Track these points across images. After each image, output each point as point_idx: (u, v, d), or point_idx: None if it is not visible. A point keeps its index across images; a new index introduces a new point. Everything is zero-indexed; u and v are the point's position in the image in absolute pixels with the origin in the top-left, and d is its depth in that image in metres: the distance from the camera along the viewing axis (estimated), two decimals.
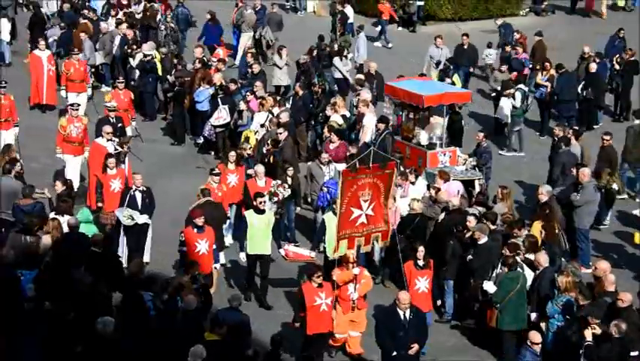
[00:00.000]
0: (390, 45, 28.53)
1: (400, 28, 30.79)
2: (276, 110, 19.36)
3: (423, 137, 18.43)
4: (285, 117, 18.89)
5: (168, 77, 21.98)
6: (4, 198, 15.15)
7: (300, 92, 20.74)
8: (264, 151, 17.78)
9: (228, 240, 16.33)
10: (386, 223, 13.14)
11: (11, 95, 19.03)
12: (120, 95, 20.12)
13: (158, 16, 25.59)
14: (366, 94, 20.13)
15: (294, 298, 13.97)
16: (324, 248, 14.31)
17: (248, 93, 20.24)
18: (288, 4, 32.59)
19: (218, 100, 20.11)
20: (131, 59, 22.91)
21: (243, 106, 19.59)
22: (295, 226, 16.76)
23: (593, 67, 21.99)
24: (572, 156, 17.51)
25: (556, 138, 18.28)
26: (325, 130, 18.79)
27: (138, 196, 15.27)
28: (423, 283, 13.51)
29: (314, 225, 16.17)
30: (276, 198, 15.97)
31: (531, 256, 13.46)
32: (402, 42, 29.08)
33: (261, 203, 14.63)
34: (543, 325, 12.78)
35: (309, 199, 16.99)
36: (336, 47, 24.90)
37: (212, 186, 15.83)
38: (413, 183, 16.41)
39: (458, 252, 14.25)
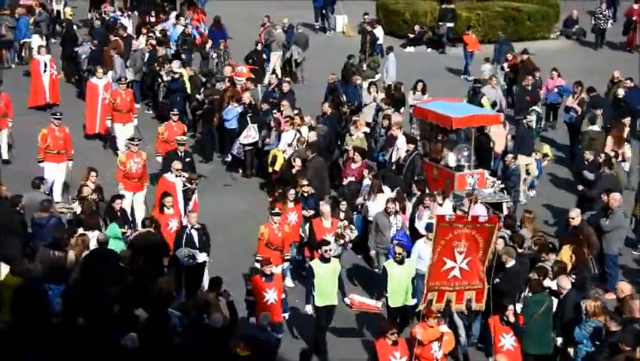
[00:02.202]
0: (470, 78, 26.80)
1: (429, 50, 30.81)
2: (304, 130, 19.40)
3: (451, 158, 18.38)
4: (313, 137, 18.91)
5: (197, 95, 22.08)
6: (31, 212, 15.28)
7: (329, 112, 20.77)
8: (294, 171, 17.78)
9: (289, 282, 15.62)
10: (482, 282, 12.47)
11: (67, 128, 18.55)
12: (174, 127, 19.36)
13: (209, 44, 25.47)
14: (397, 116, 20.11)
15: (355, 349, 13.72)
16: (386, 298, 13.83)
17: (275, 112, 20.33)
18: (317, 24, 32.71)
19: (247, 118, 20.20)
20: (160, 77, 23.04)
21: (282, 123, 19.44)
22: (354, 275, 16.16)
23: (621, 92, 21.85)
24: (613, 180, 17.36)
25: (586, 162, 18.18)
26: (350, 149, 18.81)
27: (195, 234, 14.70)
28: (509, 341, 12.63)
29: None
30: (342, 241, 15.33)
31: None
32: (431, 63, 29.05)
33: (326, 252, 13.85)
34: (570, 350, 12.67)
35: (374, 252, 15.92)
36: (364, 67, 24.99)
37: (273, 226, 15.03)
38: (441, 205, 16.34)
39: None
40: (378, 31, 28.23)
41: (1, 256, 14.03)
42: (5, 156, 19.86)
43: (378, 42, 27.61)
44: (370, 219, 16.61)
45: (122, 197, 16.05)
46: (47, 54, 23.20)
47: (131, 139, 18.02)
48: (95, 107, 21.32)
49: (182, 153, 17.88)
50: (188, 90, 22.40)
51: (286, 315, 14.09)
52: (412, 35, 31.05)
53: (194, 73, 23.03)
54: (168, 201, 15.52)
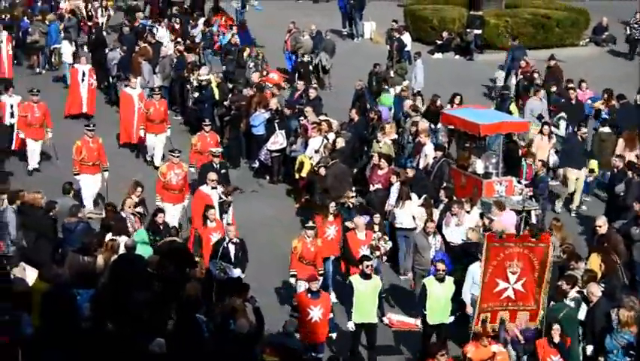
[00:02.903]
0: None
1: (457, 57, 30.72)
2: (331, 136, 19.39)
3: (479, 166, 18.29)
4: (340, 143, 18.89)
5: (225, 102, 22.14)
6: (62, 217, 15.39)
7: (356, 118, 20.75)
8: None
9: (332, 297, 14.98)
10: (537, 303, 12.20)
11: (100, 138, 18.48)
12: (207, 137, 19.18)
13: (246, 52, 25.52)
14: (424, 123, 20.07)
15: None
16: (425, 316, 13.54)
17: (302, 118, 20.35)
18: (344, 30, 32.70)
19: (275, 125, 20.22)
20: (188, 83, 23.13)
21: (309, 130, 19.46)
22: (392, 294, 15.71)
23: None
24: None
25: (615, 170, 18.03)
26: (375, 157, 18.79)
27: (232, 248, 14.45)
28: None
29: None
30: (378, 253, 15.02)
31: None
32: (459, 70, 28.96)
33: (367, 267, 13.47)
34: (601, 359, 12.54)
35: (412, 273, 15.54)
36: (392, 73, 24.96)
37: (306, 240, 14.82)
38: (468, 212, 16.26)
39: None
40: (406, 38, 28.18)
41: (31, 262, 14.13)
42: (36, 165, 19.94)
43: (406, 49, 27.56)
44: (397, 225, 16.56)
45: (163, 211, 15.78)
46: (87, 64, 23.15)
47: (172, 150, 17.77)
48: (130, 117, 21.18)
49: (218, 165, 17.63)
50: (217, 97, 22.47)
51: (333, 335, 13.62)
52: (439, 42, 30.98)
53: (222, 79, 23.08)
54: (211, 214, 15.23)
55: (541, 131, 19.86)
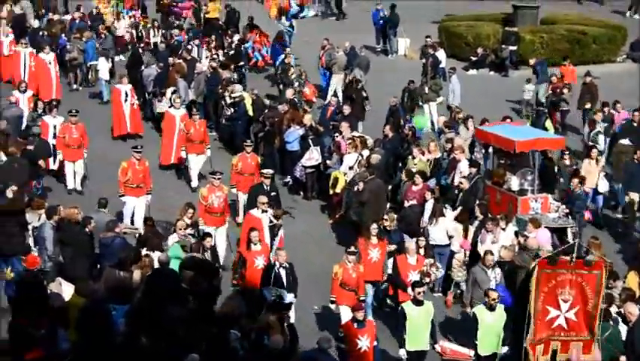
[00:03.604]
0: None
1: (492, 73, 30.62)
2: (365, 152, 19.39)
3: (514, 182, 18.17)
4: (375, 159, 18.88)
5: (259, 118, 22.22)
6: (99, 232, 15.51)
7: (390, 135, 20.74)
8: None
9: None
10: (592, 333, 11.97)
11: (146, 161, 18.44)
12: (247, 158, 18.98)
13: (291, 72, 25.59)
14: (459, 139, 20.01)
15: None
16: (475, 345, 13.24)
17: (337, 134, 20.37)
18: (378, 46, 32.73)
19: (309, 141, 20.26)
20: (221, 100, 23.23)
21: (342, 145, 19.40)
22: (448, 324, 15.40)
23: None
24: None
25: None
26: (403, 174, 18.70)
27: (282, 273, 14.21)
28: None
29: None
30: (428, 279, 14.68)
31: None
32: (493, 87, 28.85)
33: (419, 293, 13.19)
34: None
35: (469, 309, 14.72)
36: (426, 89, 24.94)
37: (347, 266, 14.48)
38: (503, 230, 16.16)
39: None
40: (441, 54, 28.14)
41: (68, 277, 14.25)
42: (78, 187, 19.95)
43: (441, 65, 27.54)
44: (431, 242, 16.49)
45: (211, 235, 15.48)
46: (129, 84, 23.18)
47: (213, 172, 17.52)
48: (171, 138, 21.14)
49: (268, 187, 17.34)
50: (250, 113, 22.55)
51: None
52: (474, 58, 30.90)
53: (257, 96, 23.17)
54: (255, 236, 14.89)
55: (589, 155, 19.65)
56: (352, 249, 14.76)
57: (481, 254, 15.72)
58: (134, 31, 28.34)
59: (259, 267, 14.69)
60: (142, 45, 27.73)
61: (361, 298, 14.46)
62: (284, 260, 14.37)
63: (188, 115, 21.00)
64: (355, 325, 12.92)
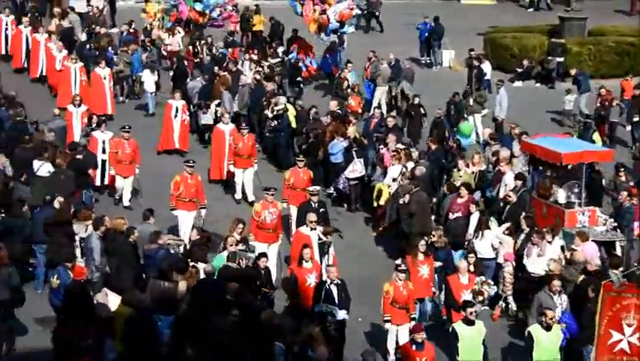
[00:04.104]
0: (628, 128, 24.91)
1: (538, 85, 30.36)
2: (409, 165, 19.31)
3: (561, 195, 17.97)
4: (419, 171, 18.80)
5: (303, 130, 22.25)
6: (143, 243, 15.61)
7: (433, 147, 20.65)
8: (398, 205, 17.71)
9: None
10: None
11: (199, 175, 18.46)
12: (300, 173, 18.94)
13: (345, 85, 25.42)
14: (504, 151, 19.86)
15: None
16: None
17: (381, 147, 20.32)
18: (423, 58, 32.64)
19: (353, 153, 20.23)
20: (265, 111, 23.28)
21: (386, 157, 19.35)
22: (500, 343, 15.01)
23: None
24: None
25: None
26: (445, 187, 18.54)
27: (334, 290, 14.11)
28: None
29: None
30: (481, 298, 14.56)
31: None
32: (540, 98, 28.62)
33: (472, 313, 13.01)
34: None
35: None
36: (471, 101, 24.81)
37: (397, 283, 14.35)
38: (550, 243, 15.98)
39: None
40: (486, 66, 28.00)
41: (114, 287, 14.35)
42: (126, 203, 19.98)
43: (486, 77, 27.37)
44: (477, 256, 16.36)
45: (266, 255, 15.37)
46: (181, 100, 23.19)
47: (267, 189, 17.46)
48: (221, 153, 21.02)
49: (316, 204, 17.25)
50: (293, 125, 22.58)
51: None
52: (520, 70, 30.67)
53: (301, 107, 23.19)
54: (306, 253, 14.85)
55: None
56: (402, 267, 14.62)
57: (527, 268, 15.60)
58: (190, 47, 28.43)
59: (311, 285, 14.62)
60: (197, 60, 27.68)
61: (412, 316, 14.37)
62: (335, 277, 14.26)
63: (237, 129, 21.00)
64: (414, 347, 12.74)
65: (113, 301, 13.53)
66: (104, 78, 24.95)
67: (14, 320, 14.66)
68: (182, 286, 13.86)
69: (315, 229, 15.96)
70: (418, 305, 15.09)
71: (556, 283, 14.15)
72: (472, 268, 15.10)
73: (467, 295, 14.33)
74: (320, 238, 15.90)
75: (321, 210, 17.22)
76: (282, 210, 17.42)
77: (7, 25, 28.91)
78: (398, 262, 17.41)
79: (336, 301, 14.05)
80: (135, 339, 12.12)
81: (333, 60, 28.17)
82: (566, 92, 25.95)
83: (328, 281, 14.23)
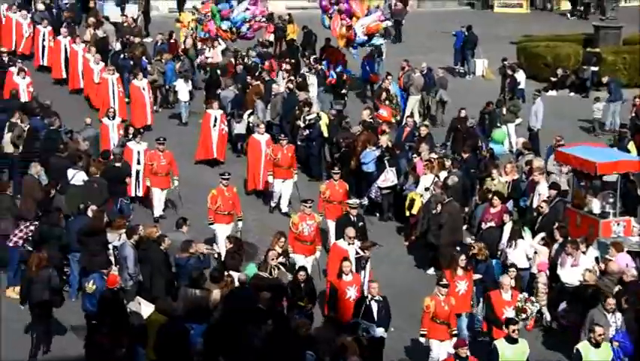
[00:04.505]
0: None
1: (572, 94, 30.14)
2: (442, 174, 19.24)
3: (595, 205, 17.81)
4: (451, 181, 18.72)
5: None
6: (175, 252, 15.67)
7: (466, 156, 20.55)
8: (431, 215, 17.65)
9: None
10: None
11: (234, 187, 18.30)
12: (335, 185, 18.66)
13: (384, 96, 25.42)
14: (538, 161, 19.72)
15: None
16: None
17: (414, 156, 20.26)
18: (456, 68, 32.55)
19: (385, 162, 20.19)
20: (298, 121, 23.29)
21: (418, 166, 19.32)
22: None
23: None
24: None
25: None
26: (477, 196, 18.38)
27: (374, 306, 13.90)
28: None
29: None
30: (524, 315, 14.15)
31: None
32: (573, 108, 28.42)
33: (514, 331, 12.77)
34: None
35: None
36: (504, 110, 24.68)
37: (439, 298, 14.04)
38: (584, 253, 15.82)
39: (634, 327, 13.51)
40: (520, 75, 27.85)
41: (147, 296, 14.42)
42: (158, 214, 19.83)
43: (520, 86, 27.21)
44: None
45: (305, 269, 15.22)
46: (219, 109, 23.14)
47: (304, 201, 17.27)
48: (258, 163, 20.94)
49: (355, 218, 17.02)
50: (325, 134, 22.57)
51: None
52: (554, 79, 30.48)
53: (335, 116, 23.18)
54: (346, 266, 14.65)
55: None
56: (444, 281, 14.36)
57: (561, 278, 15.45)
58: (232, 59, 28.50)
59: (351, 298, 14.48)
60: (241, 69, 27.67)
61: (454, 332, 14.17)
62: (376, 293, 14.06)
63: (273, 140, 20.88)
64: None
65: (145, 309, 13.60)
66: (143, 89, 25.01)
67: (52, 321, 14.87)
68: (217, 294, 13.88)
69: (352, 243, 15.74)
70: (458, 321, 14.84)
71: (611, 301, 13.80)
72: (513, 283, 14.72)
73: (510, 312, 14.03)
74: (357, 253, 15.63)
75: (360, 224, 16.98)
76: (319, 223, 17.30)
77: (44, 36, 29.14)
78: (430, 271, 17.42)
79: (375, 318, 13.86)
80: (168, 348, 12.17)
81: (371, 67, 28.16)
82: (595, 101, 25.74)
83: (369, 297, 14.04)
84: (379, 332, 13.86)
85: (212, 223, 17.85)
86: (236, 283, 14.17)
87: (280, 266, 15.14)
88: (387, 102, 24.90)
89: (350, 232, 15.84)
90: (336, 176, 18.78)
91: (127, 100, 25.36)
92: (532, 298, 14.68)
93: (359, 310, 13.88)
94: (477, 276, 15.54)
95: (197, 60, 28.53)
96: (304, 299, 14.48)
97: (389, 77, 26.16)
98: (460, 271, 15.07)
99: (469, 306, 15.13)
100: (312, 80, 26.69)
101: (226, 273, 14.60)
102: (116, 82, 25.17)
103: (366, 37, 27.30)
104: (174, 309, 13.00)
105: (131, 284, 15.16)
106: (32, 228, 16.37)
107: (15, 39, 29.82)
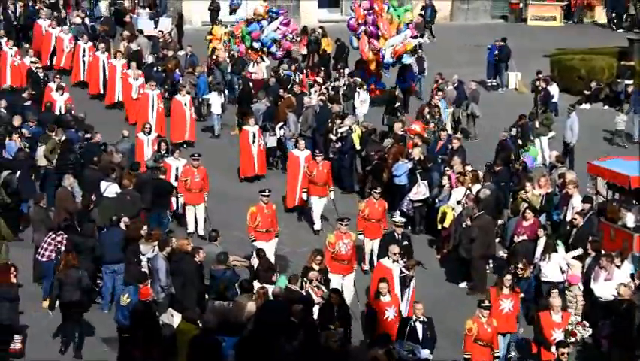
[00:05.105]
0: None
1: (606, 107, 29.91)
2: (475, 187, 19.16)
3: (629, 219, 17.65)
4: (483, 194, 18.62)
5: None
6: (209, 264, 15.72)
7: (498, 169, 20.45)
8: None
9: None
10: None
11: (274, 205, 18.22)
12: (375, 204, 18.35)
13: (427, 110, 25.19)
14: (572, 174, 19.59)
15: None
16: None
17: (447, 169, 20.19)
18: (489, 81, 32.42)
19: (417, 175, 20.14)
20: (331, 135, 23.29)
21: (445, 181, 19.34)
22: None
23: None
24: None
25: None
26: (510, 210, 18.29)
27: (419, 328, 13.77)
28: None
29: None
30: (573, 339, 13.82)
31: None
32: (608, 121, 28.17)
33: (563, 355, 12.67)
34: None
35: None
36: (537, 124, 24.54)
37: (481, 320, 13.81)
38: (618, 267, 15.68)
39: None
40: (553, 89, 27.68)
41: (178, 307, 14.47)
42: (201, 231, 19.72)
43: (554, 99, 27.04)
44: (543, 279, 16.09)
45: (338, 291, 14.96)
46: (256, 125, 23.08)
47: (341, 219, 17.03)
48: (296, 179, 20.83)
49: (400, 236, 16.90)
50: (357, 147, 22.55)
51: None
52: (587, 92, 30.26)
53: (366, 128, 23.15)
54: (383, 288, 14.49)
55: None
56: (486, 303, 14.08)
57: (595, 292, 15.30)
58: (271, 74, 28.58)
59: (389, 318, 14.40)
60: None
61: (496, 355, 14.02)
62: (421, 314, 13.91)
63: (312, 156, 20.79)
64: None
65: (177, 321, 13.64)
66: (185, 105, 24.98)
67: (83, 323, 15.05)
68: (251, 306, 13.86)
69: (397, 261, 15.54)
70: (502, 341, 14.61)
71: None
72: (558, 303, 14.37)
73: (559, 334, 13.80)
74: (402, 272, 15.51)
75: (405, 242, 16.80)
76: (355, 241, 17.16)
77: (84, 51, 29.33)
78: (462, 285, 17.33)
79: (420, 340, 13.70)
80: (199, 360, 12.18)
81: (410, 76, 28.03)
82: (617, 112, 25.50)
83: (414, 318, 13.90)
84: (424, 353, 13.67)
85: (254, 241, 17.64)
86: (270, 296, 14.16)
87: (320, 286, 14.97)
88: (429, 116, 24.67)
89: (394, 249, 15.66)
90: (375, 195, 18.48)
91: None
92: (585, 323, 14.26)
93: (404, 330, 13.71)
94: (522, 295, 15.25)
95: (243, 73, 28.47)
96: (335, 323, 14.13)
97: (439, 93, 25.85)
98: (505, 290, 14.84)
99: (514, 326, 14.87)
100: (364, 96, 26.60)
101: (260, 285, 14.60)
102: (157, 98, 25.22)
103: (393, 59, 27.39)
104: (205, 321, 13.01)
105: (163, 296, 15.21)
106: (59, 239, 16.43)
107: (54, 54, 30.14)
